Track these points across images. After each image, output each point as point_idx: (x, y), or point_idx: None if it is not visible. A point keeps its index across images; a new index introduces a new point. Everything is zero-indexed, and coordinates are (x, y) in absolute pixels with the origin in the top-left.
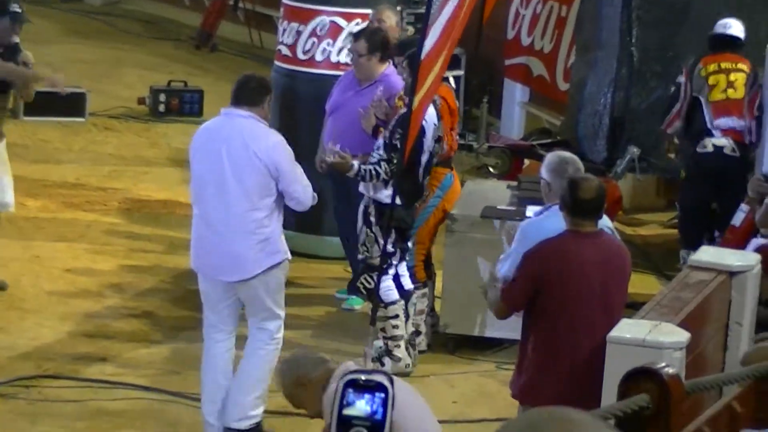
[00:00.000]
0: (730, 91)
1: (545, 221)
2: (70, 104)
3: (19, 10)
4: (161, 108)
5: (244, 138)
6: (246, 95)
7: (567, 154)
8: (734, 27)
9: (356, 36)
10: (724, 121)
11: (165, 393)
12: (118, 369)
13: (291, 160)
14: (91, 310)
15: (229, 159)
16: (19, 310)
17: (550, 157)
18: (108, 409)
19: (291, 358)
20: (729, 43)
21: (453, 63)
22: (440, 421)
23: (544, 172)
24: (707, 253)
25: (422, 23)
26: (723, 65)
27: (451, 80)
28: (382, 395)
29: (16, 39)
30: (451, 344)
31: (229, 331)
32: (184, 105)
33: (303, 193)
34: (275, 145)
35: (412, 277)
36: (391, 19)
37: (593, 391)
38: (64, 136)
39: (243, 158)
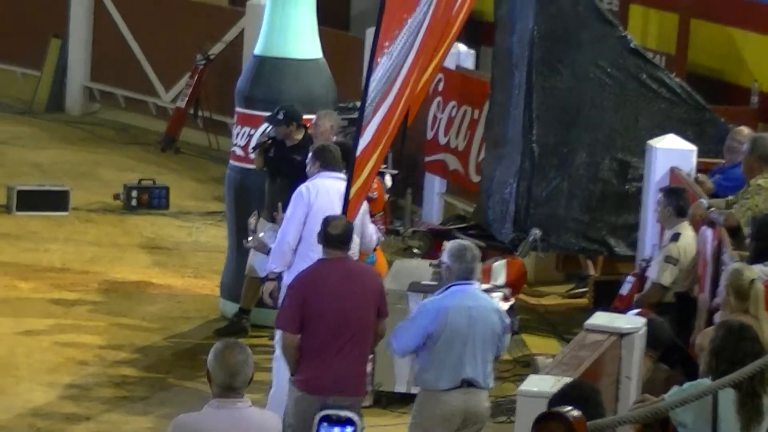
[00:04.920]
0: None
1: (444, 300)
2: (56, 200)
3: (280, 117)
4: (133, 202)
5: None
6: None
7: (466, 242)
8: None
9: None
10: None
11: None
12: (100, 426)
13: None
14: (76, 377)
15: None
16: (14, 377)
17: (452, 244)
18: None
19: None
20: None
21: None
22: None
23: (445, 257)
24: (601, 318)
25: (356, 124)
26: None
27: (387, 177)
28: (353, 428)
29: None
30: (384, 400)
31: None
32: (153, 199)
33: None
34: None
35: None
36: (324, 123)
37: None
38: (51, 228)
39: None
